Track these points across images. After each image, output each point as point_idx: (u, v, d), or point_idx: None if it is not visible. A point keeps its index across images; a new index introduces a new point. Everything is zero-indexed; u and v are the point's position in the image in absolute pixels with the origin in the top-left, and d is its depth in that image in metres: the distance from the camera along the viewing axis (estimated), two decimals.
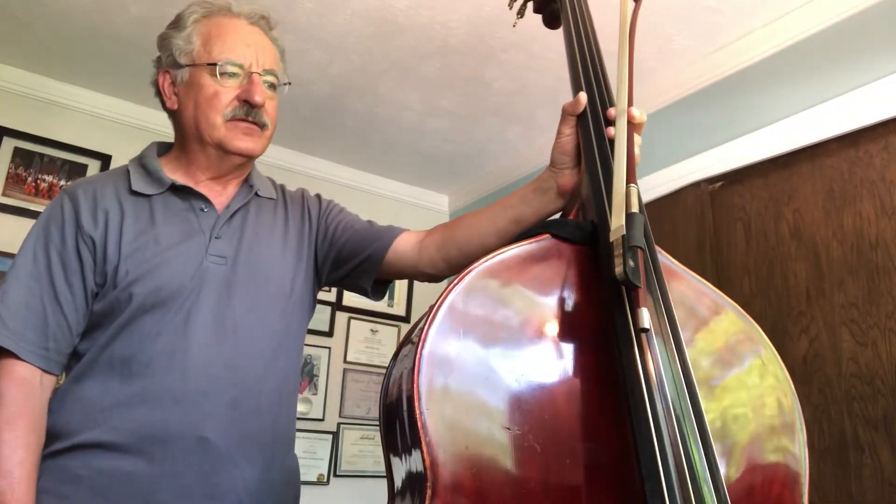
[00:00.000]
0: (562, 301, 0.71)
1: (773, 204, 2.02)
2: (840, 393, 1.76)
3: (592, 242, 0.75)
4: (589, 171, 0.81)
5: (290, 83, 1.19)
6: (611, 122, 0.84)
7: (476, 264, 0.70)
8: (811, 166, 1.95)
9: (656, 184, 2.37)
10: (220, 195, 1.14)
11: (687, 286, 0.78)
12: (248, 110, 1.08)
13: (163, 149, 1.19)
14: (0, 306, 0.99)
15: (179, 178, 1.11)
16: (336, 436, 2.87)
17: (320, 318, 2.94)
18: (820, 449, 1.77)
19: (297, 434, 1.20)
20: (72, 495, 0.94)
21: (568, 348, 0.68)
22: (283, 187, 1.27)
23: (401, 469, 0.66)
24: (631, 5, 0.91)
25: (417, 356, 0.62)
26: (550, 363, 0.67)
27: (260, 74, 1.09)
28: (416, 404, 0.60)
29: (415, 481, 0.61)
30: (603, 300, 0.69)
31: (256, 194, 1.18)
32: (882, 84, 1.77)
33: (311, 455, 2.77)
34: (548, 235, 0.75)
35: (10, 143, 2.50)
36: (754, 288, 2.03)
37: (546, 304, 0.70)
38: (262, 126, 1.11)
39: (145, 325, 1.00)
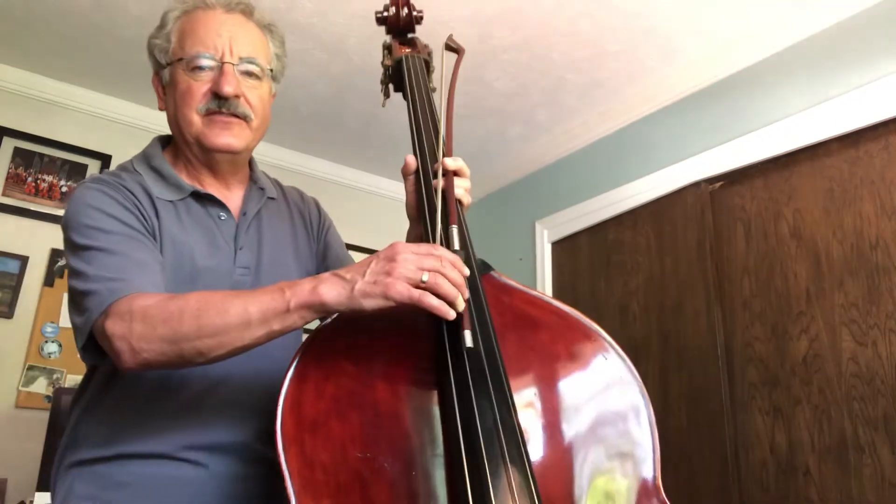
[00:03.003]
0: (399, 333, 0.82)
1: (773, 204, 2.02)
2: (840, 393, 1.76)
3: None
4: (421, 220, 0.98)
5: (281, 78, 1.16)
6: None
7: (326, 321, 0.82)
8: (811, 166, 1.95)
9: (656, 184, 2.38)
10: (230, 199, 1.12)
11: (522, 299, 0.90)
12: (220, 102, 1.03)
13: (164, 143, 1.16)
14: (96, 280, 0.89)
15: (186, 179, 1.09)
16: None
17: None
18: (820, 449, 1.77)
19: None
20: (115, 501, 0.93)
21: (405, 373, 0.79)
22: (277, 182, 1.27)
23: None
24: (451, 59, 1.02)
25: (278, 403, 0.74)
26: (392, 388, 0.77)
27: (234, 64, 1.05)
28: (278, 447, 0.70)
29: None
30: (436, 328, 0.81)
31: (267, 197, 1.17)
32: (882, 84, 1.77)
33: None
34: None
35: (10, 143, 2.50)
36: (754, 288, 2.03)
37: (386, 337, 0.82)
38: (244, 118, 1.06)
39: None
